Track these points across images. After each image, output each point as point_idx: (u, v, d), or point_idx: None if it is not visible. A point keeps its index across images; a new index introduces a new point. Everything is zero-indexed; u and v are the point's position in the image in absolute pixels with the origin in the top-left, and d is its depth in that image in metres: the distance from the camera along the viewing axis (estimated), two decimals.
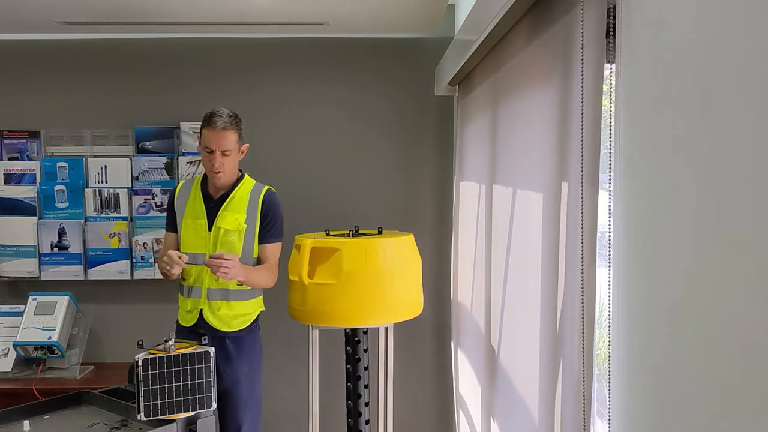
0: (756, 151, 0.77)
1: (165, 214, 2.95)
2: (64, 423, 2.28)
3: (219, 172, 2.66)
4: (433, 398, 3.61)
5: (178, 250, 2.77)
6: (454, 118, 3.46)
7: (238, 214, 2.72)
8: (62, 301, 3.30)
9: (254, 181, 2.83)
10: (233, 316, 2.74)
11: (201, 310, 2.72)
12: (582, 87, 1.32)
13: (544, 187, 1.64)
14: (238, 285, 2.72)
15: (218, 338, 2.72)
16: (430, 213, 3.57)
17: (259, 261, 2.79)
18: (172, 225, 2.84)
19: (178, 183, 2.92)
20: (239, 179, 2.79)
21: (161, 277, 2.81)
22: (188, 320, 2.76)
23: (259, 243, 2.77)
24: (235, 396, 2.76)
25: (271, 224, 2.77)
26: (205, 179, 2.81)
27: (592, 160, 1.27)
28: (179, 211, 2.80)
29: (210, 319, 2.72)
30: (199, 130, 2.74)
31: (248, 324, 2.78)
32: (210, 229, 2.71)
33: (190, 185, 2.83)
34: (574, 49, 1.40)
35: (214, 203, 2.74)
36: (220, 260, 2.53)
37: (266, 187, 2.81)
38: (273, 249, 2.79)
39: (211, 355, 2.22)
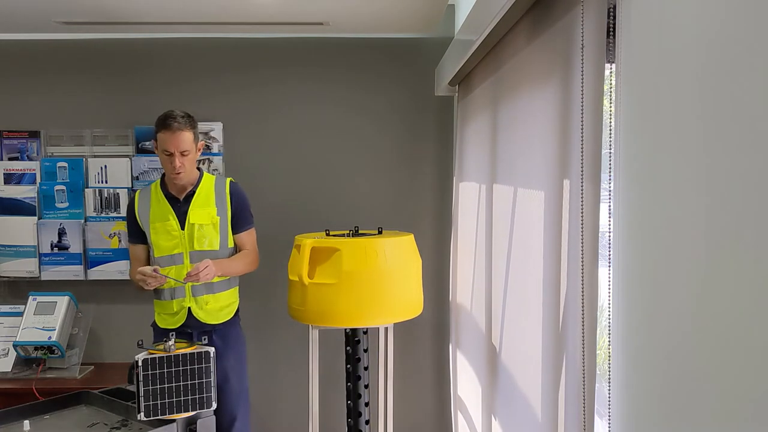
0: (756, 151, 0.77)
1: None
2: (64, 423, 2.28)
3: (180, 172, 2.71)
4: (434, 398, 3.61)
5: (148, 259, 2.83)
6: (454, 118, 3.46)
7: (208, 208, 2.79)
8: (62, 301, 3.30)
9: (214, 176, 2.92)
10: (220, 307, 2.83)
11: (189, 308, 2.77)
12: (582, 87, 1.32)
13: (544, 188, 1.64)
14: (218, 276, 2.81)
15: (206, 334, 2.75)
16: (430, 213, 3.57)
17: (236, 250, 2.88)
18: (138, 236, 2.86)
19: (135, 193, 2.92)
20: (200, 176, 2.85)
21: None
22: (174, 322, 2.80)
23: (234, 233, 2.86)
24: (227, 390, 2.83)
25: (241, 213, 2.87)
26: (163, 183, 2.85)
27: (593, 161, 1.27)
28: (143, 218, 2.82)
29: (199, 314, 2.79)
30: (153, 135, 2.75)
31: (233, 315, 2.88)
32: (183, 228, 2.76)
33: (148, 192, 2.86)
34: (574, 49, 1.40)
35: (180, 203, 2.79)
36: (197, 274, 2.62)
37: (228, 179, 2.91)
38: (248, 236, 2.90)
39: (211, 355, 2.22)
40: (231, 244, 2.85)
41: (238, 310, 2.93)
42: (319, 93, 3.52)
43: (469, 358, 2.81)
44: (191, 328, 2.78)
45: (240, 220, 2.86)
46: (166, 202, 2.79)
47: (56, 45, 3.49)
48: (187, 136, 2.70)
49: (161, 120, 2.69)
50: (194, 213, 2.77)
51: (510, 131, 2.05)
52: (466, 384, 2.86)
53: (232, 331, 2.89)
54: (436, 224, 3.56)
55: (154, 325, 2.88)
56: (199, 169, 2.88)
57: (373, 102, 3.53)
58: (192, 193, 2.80)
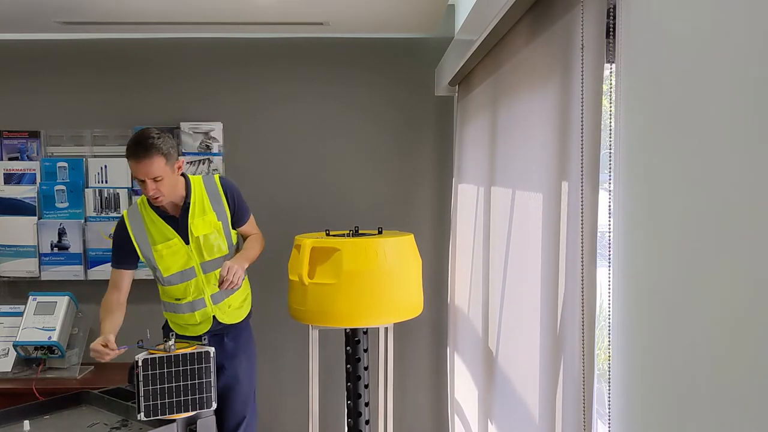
0: (756, 151, 0.77)
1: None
2: (64, 423, 2.28)
3: (157, 197, 2.52)
4: (433, 398, 3.61)
5: (130, 286, 2.70)
6: (453, 118, 3.46)
7: (207, 216, 2.67)
8: (62, 301, 3.30)
9: (200, 177, 2.76)
10: (237, 306, 2.83)
11: (214, 317, 2.75)
12: (582, 87, 1.32)
13: (543, 188, 1.64)
14: None
15: (218, 336, 2.77)
16: (430, 213, 3.57)
17: (239, 245, 2.86)
18: (129, 262, 2.67)
19: (123, 214, 2.71)
20: (187, 185, 2.67)
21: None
22: (198, 330, 2.75)
23: (238, 227, 2.79)
24: (237, 391, 2.82)
25: (239, 205, 2.77)
26: (150, 203, 2.65)
27: (592, 160, 1.27)
28: (142, 244, 2.65)
29: (224, 319, 2.77)
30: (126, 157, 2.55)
31: (248, 311, 2.87)
32: (188, 243, 2.65)
33: (138, 215, 2.68)
34: (574, 49, 1.40)
35: (178, 218, 2.65)
36: (226, 278, 2.53)
37: (216, 176, 2.78)
38: (250, 224, 2.86)
39: (211, 355, 2.22)
40: (234, 241, 2.81)
41: (251, 310, 2.90)
42: (319, 93, 3.52)
43: (466, 361, 2.81)
44: (214, 332, 2.75)
45: (241, 212, 2.77)
46: (163, 222, 2.64)
47: (56, 45, 3.49)
48: (155, 162, 2.45)
49: (128, 146, 2.48)
50: (195, 225, 2.64)
51: (509, 131, 2.05)
52: (463, 387, 2.86)
53: (244, 333, 2.86)
54: (435, 225, 3.56)
55: (167, 327, 2.83)
56: (183, 175, 2.69)
57: (373, 102, 3.53)
58: (186, 207, 2.64)
